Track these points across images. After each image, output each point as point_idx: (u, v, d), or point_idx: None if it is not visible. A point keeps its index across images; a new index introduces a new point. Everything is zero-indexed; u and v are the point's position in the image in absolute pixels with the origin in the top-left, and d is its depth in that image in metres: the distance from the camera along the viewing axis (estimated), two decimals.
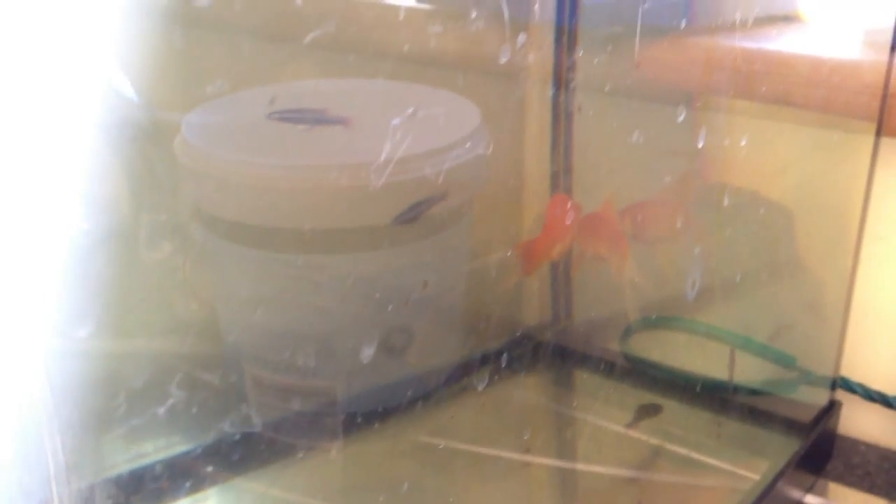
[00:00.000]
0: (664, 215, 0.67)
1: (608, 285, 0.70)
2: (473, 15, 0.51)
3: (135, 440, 0.55)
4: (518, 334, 0.72)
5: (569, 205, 0.67)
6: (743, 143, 0.65)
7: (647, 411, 0.73)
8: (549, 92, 0.66)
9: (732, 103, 0.65)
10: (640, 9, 0.57)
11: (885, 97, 0.68)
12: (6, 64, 0.34)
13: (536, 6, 0.58)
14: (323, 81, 0.60)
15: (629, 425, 0.72)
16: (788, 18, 0.68)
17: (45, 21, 0.35)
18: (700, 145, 0.61)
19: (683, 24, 0.63)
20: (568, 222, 0.63)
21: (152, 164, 0.54)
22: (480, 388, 0.61)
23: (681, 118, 0.60)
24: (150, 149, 0.53)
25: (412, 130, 0.52)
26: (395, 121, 0.53)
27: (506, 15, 0.52)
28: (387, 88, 0.57)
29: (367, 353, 0.59)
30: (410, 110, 0.51)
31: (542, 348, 0.73)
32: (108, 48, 0.40)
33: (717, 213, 0.68)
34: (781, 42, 0.66)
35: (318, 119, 0.51)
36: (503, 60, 0.53)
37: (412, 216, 0.55)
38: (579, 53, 0.61)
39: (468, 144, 0.59)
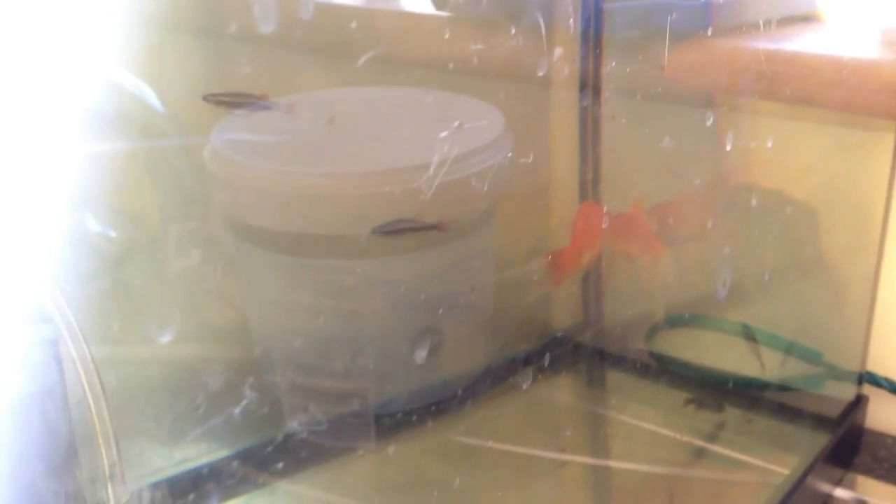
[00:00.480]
0: (692, 215, 0.68)
1: (637, 286, 0.71)
2: (499, 24, 0.51)
3: (174, 445, 0.56)
4: (549, 336, 0.73)
5: (598, 212, 0.68)
6: (768, 143, 0.65)
7: (706, 405, 0.73)
8: (577, 97, 0.67)
9: (756, 104, 0.65)
10: (668, 14, 0.58)
11: None
12: (35, 81, 0.35)
13: (562, 14, 0.58)
14: (350, 89, 0.61)
15: (688, 401, 0.72)
16: (808, 18, 0.69)
17: (71, 34, 0.36)
18: (728, 148, 0.62)
19: (705, 28, 0.63)
20: (597, 230, 0.64)
21: (181, 175, 0.55)
22: (519, 387, 0.61)
23: (709, 122, 0.61)
24: (178, 160, 0.55)
25: (439, 137, 0.53)
26: (429, 129, 0.54)
27: (541, 26, 0.53)
28: (413, 96, 0.58)
29: (401, 355, 0.60)
30: (452, 122, 0.52)
31: (573, 349, 0.74)
32: (133, 61, 0.41)
33: (743, 213, 0.69)
34: (802, 42, 0.67)
35: (259, 106, 0.51)
36: (529, 68, 0.54)
37: (391, 230, 0.55)
38: (605, 59, 0.62)
39: (492, 150, 0.60)
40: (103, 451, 0.38)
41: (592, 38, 0.61)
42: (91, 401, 0.38)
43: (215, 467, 0.58)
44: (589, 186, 0.72)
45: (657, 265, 0.66)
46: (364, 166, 0.58)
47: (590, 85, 0.64)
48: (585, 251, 0.63)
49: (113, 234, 0.44)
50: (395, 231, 0.55)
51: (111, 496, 0.38)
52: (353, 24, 0.47)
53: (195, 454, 0.57)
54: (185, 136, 0.54)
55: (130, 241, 0.47)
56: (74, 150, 0.38)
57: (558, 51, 0.54)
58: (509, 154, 0.60)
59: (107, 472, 0.38)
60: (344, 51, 0.47)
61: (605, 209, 0.69)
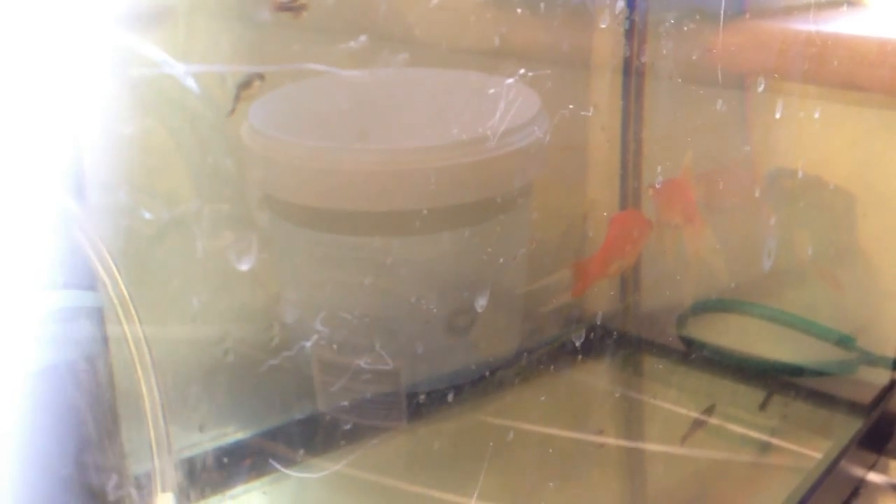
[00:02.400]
0: (739, 183, 0.67)
1: (670, 271, 0.70)
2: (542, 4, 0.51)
3: (206, 423, 0.56)
4: (584, 320, 0.73)
5: (639, 221, 0.67)
6: (810, 126, 0.65)
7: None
8: (620, 79, 0.67)
9: (799, 87, 0.65)
10: None
11: None
12: (71, 62, 0.34)
13: None
14: (387, 70, 0.61)
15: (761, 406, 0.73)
16: (852, 3, 0.68)
17: (99, 16, 0.36)
18: (769, 129, 0.61)
19: (743, 11, 0.63)
20: (634, 240, 0.63)
21: (214, 154, 0.55)
22: (553, 370, 0.61)
23: (748, 105, 0.60)
24: (212, 138, 0.54)
25: (475, 116, 0.53)
26: (460, 106, 0.54)
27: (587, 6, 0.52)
28: (450, 77, 0.58)
29: (435, 334, 0.60)
30: (487, 93, 0.52)
31: (606, 333, 0.74)
32: (168, 42, 0.41)
33: (781, 196, 0.68)
34: (845, 24, 0.66)
35: None
36: (572, 48, 0.54)
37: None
38: (649, 41, 0.62)
39: (528, 129, 0.59)
40: (150, 423, 0.38)
41: (638, 18, 0.61)
42: (140, 371, 0.38)
43: (247, 444, 0.58)
44: (630, 168, 0.71)
45: (699, 238, 0.65)
46: (402, 143, 0.58)
47: (633, 65, 0.64)
48: (616, 260, 0.63)
49: (148, 215, 0.44)
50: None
51: (157, 468, 0.38)
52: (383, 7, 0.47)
53: (227, 432, 0.57)
54: (220, 116, 0.54)
55: (164, 221, 0.47)
56: (110, 130, 0.38)
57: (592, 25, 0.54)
58: (545, 134, 0.60)
59: (154, 444, 0.38)
60: (378, 33, 0.47)
61: (639, 219, 0.69)
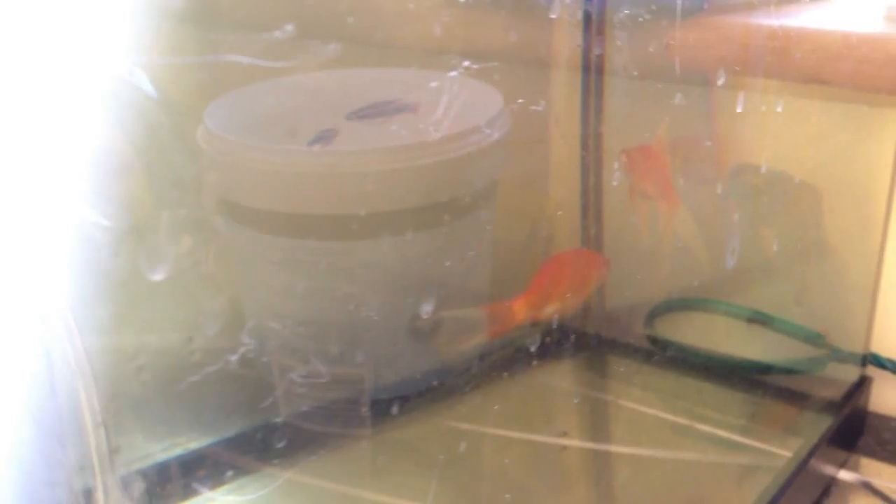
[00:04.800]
0: (713, 154, 0.65)
1: (636, 269, 0.70)
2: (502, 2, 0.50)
3: (166, 431, 0.55)
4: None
5: (582, 263, 0.65)
6: (772, 121, 0.64)
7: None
8: (579, 77, 0.66)
9: (760, 82, 0.64)
10: None
11: None
12: (22, 61, 0.33)
13: None
14: (347, 71, 0.60)
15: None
16: None
17: (60, 18, 0.35)
18: (730, 124, 0.61)
19: (702, 6, 0.62)
20: (575, 283, 0.61)
21: (171, 158, 0.54)
22: (509, 373, 0.60)
23: (708, 101, 0.60)
24: (169, 142, 0.53)
25: (437, 116, 0.52)
26: (421, 106, 0.53)
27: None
28: (410, 76, 0.57)
29: (396, 339, 0.59)
30: (439, 97, 0.51)
31: (572, 334, 0.73)
32: (124, 44, 0.40)
33: (746, 192, 0.68)
34: (808, 18, 0.66)
35: (393, 110, 0.52)
36: (530, 47, 0.53)
37: (368, 114, 0.54)
38: (608, 38, 0.61)
39: (490, 129, 0.59)
40: (92, 438, 0.37)
41: (595, 15, 0.60)
42: (81, 389, 0.37)
43: (207, 454, 0.57)
44: (591, 165, 0.71)
45: (673, 214, 0.64)
46: (361, 144, 0.57)
47: (592, 63, 0.63)
48: (550, 304, 0.60)
49: (106, 222, 0.43)
50: (374, 115, 0.54)
51: (99, 483, 0.37)
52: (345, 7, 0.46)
53: (186, 440, 0.56)
54: (178, 120, 0.53)
55: (123, 228, 0.46)
56: (67, 137, 0.37)
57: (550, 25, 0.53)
58: (507, 132, 0.59)
59: (95, 460, 0.37)
60: (339, 34, 0.46)
61: (605, 258, 0.67)
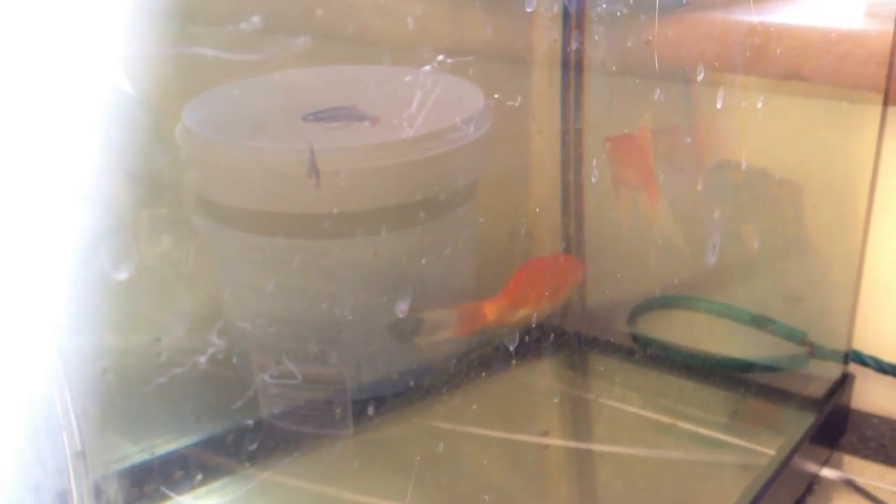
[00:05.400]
0: (694, 147, 0.65)
1: (618, 266, 0.69)
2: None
3: (145, 432, 0.54)
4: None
5: (557, 269, 0.65)
6: (752, 117, 0.64)
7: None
8: (559, 73, 0.66)
9: (741, 78, 0.64)
10: None
11: (892, 66, 0.68)
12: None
13: None
14: (325, 68, 0.60)
15: None
16: None
17: (36, 16, 0.34)
18: (713, 121, 0.60)
19: (682, 2, 0.62)
20: (549, 289, 0.61)
21: (150, 157, 0.54)
22: (488, 372, 0.60)
23: (691, 98, 0.60)
24: (147, 140, 0.53)
25: (417, 113, 0.52)
26: (401, 103, 0.52)
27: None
28: (389, 73, 0.56)
29: (376, 338, 0.58)
30: (417, 93, 0.51)
31: (554, 332, 0.73)
32: (102, 42, 0.39)
33: (727, 189, 0.68)
34: (788, 15, 0.66)
35: (350, 116, 0.52)
36: (510, 43, 0.53)
37: (323, 118, 0.54)
38: (587, 34, 0.61)
39: (471, 126, 0.58)
40: (66, 440, 0.37)
41: (575, 11, 0.60)
42: (54, 389, 0.36)
43: (184, 455, 0.57)
44: (570, 166, 0.70)
45: (654, 204, 0.63)
46: (340, 142, 0.57)
47: (571, 59, 0.63)
48: (520, 308, 0.60)
49: (85, 221, 0.43)
50: (328, 118, 0.54)
51: (73, 485, 0.37)
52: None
53: (163, 441, 0.56)
54: (157, 118, 0.53)
55: (101, 228, 0.46)
56: (44, 137, 0.37)
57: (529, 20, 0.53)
58: (487, 129, 0.59)
59: (70, 462, 0.37)
60: (314, 30, 0.45)
61: (562, 266, 0.67)
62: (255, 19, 0.40)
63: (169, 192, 0.55)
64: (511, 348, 0.59)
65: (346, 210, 0.57)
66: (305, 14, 0.44)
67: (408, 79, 0.51)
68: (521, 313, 0.59)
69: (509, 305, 0.60)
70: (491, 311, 0.59)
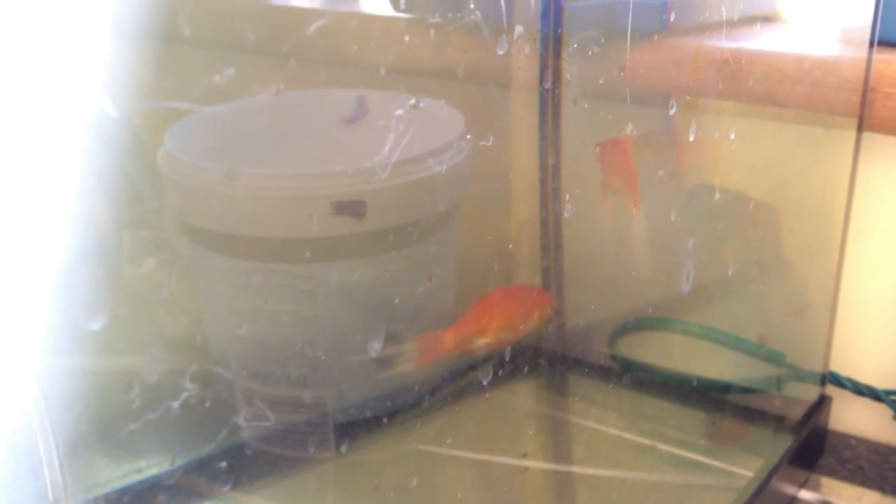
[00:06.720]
0: (675, 160, 0.66)
1: (598, 287, 0.70)
2: (458, 23, 0.51)
3: (126, 456, 0.54)
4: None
5: (521, 301, 0.65)
6: (729, 143, 0.65)
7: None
8: (536, 98, 0.66)
9: (716, 103, 0.65)
10: (630, 12, 0.57)
11: (865, 92, 0.69)
12: None
13: (521, 13, 0.58)
14: (304, 92, 0.60)
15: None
16: (767, 19, 0.68)
17: (19, 37, 0.35)
18: (688, 146, 0.61)
19: (662, 28, 0.63)
20: (511, 321, 0.61)
21: (133, 179, 0.54)
22: (480, 393, 0.60)
23: (668, 122, 0.60)
24: (130, 164, 0.53)
25: (397, 138, 0.52)
26: (382, 127, 0.53)
27: (504, 22, 0.52)
28: (369, 97, 0.57)
29: (358, 361, 0.59)
30: (398, 113, 0.51)
31: (536, 353, 0.73)
32: (84, 64, 0.40)
33: (704, 212, 0.68)
34: (763, 41, 0.66)
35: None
36: (490, 68, 0.54)
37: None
38: (564, 60, 0.61)
39: (451, 150, 0.59)
40: (45, 465, 0.37)
41: (552, 37, 0.61)
42: (33, 414, 0.36)
43: (165, 479, 0.57)
44: (549, 193, 0.71)
45: (635, 210, 0.64)
46: (319, 167, 0.57)
47: (549, 88, 0.63)
48: (477, 339, 0.60)
49: (65, 241, 0.43)
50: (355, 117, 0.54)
51: None
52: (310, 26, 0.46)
53: (144, 466, 0.55)
54: (139, 140, 0.53)
55: (83, 248, 0.46)
56: (25, 154, 0.37)
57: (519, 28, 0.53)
58: (468, 154, 0.59)
59: (49, 489, 0.37)
60: (296, 53, 0.46)
61: (549, 296, 0.67)
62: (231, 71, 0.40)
63: (152, 215, 0.56)
64: (489, 371, 0.59)
65: (327, 235, 0.57)
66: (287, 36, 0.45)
67: (386, 102, 0.52)
68: (481, 342, 0.59)
69: (468, 334, 0.60)
70: (450, 339, 0.60)
